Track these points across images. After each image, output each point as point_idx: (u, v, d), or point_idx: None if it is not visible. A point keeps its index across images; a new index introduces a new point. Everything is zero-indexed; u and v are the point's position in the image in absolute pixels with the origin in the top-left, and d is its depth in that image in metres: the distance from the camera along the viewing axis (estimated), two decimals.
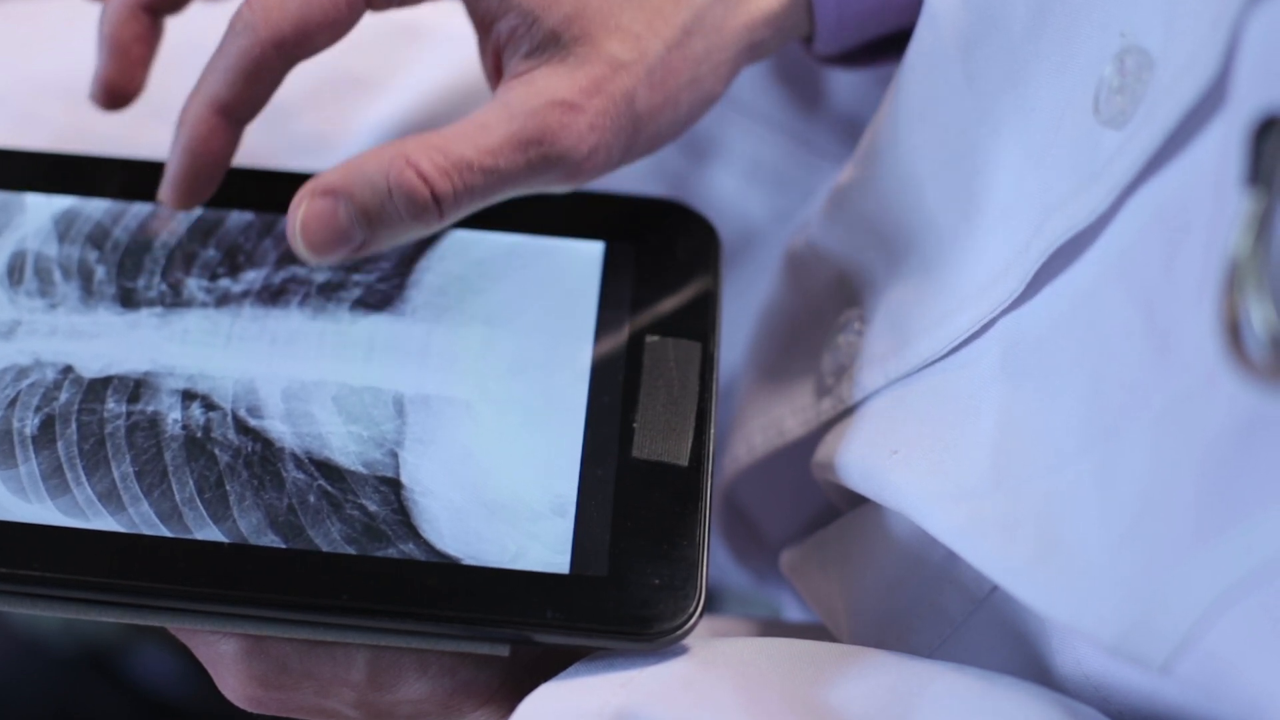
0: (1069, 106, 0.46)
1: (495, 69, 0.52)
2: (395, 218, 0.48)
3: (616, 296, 0.52)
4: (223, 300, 0.53)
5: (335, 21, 0.49)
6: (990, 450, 0.46)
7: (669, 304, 0.52)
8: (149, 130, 0.55)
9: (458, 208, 0.48)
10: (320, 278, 0.53)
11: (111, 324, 0.52)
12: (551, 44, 0.50)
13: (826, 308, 0.57)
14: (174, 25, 0.53)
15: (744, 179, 0.69)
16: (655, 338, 0.52)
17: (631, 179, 0.69)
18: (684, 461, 0.49)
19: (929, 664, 0.47)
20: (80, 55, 0.66)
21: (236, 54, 0.49)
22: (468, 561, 0.48)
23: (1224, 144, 0.39)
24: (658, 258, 0.54)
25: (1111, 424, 0.42)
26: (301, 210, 0.48)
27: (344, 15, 0.49)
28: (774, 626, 0.63)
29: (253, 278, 0.53)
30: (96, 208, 0.54)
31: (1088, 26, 0.46)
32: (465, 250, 0.54)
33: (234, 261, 0.54)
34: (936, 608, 0.51)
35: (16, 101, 0.67)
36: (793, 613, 0.69)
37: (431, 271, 0.53)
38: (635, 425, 0.50)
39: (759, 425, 0.58)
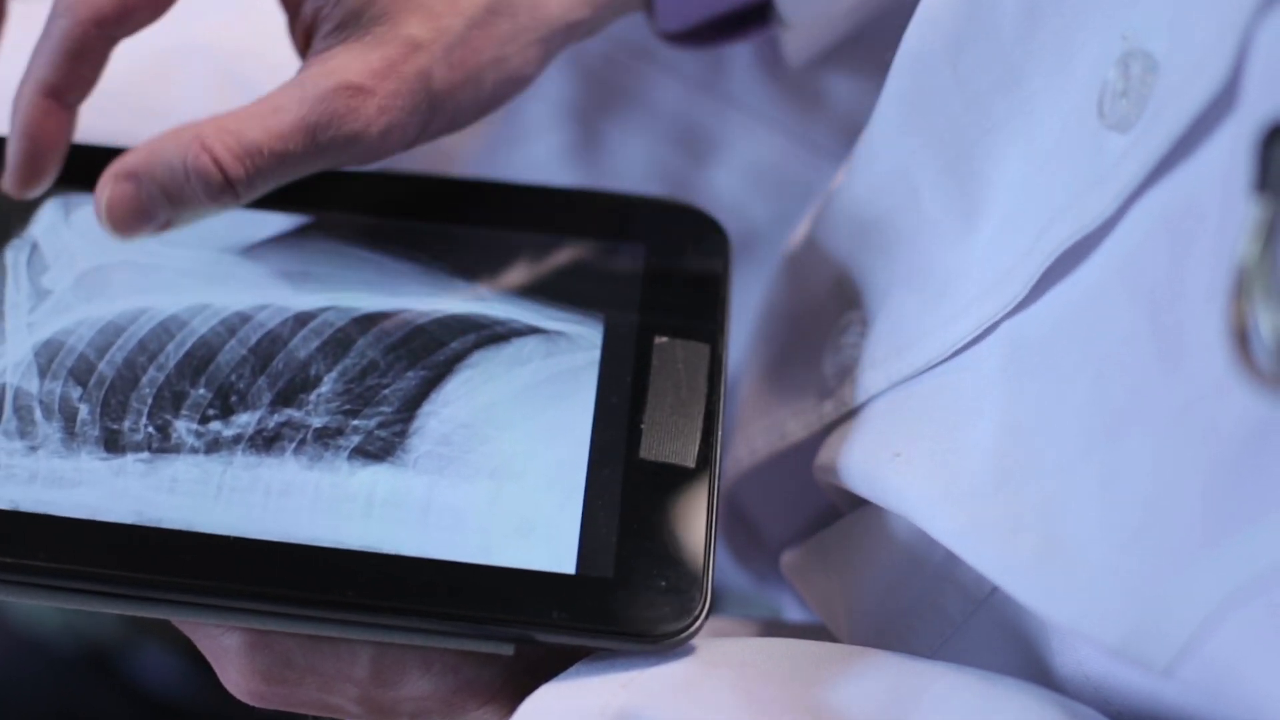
0: (1072, 109, 0.46)
1: (305, 47, 0.52)
2: (194, 199, 0.49)
3: (625, 297, 0.52)
4: (213, 446, 0.50)
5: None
6: (992, 452, 0.46)
7: (678, 305, 0.52)
8: (149, 130, 0.55)
9: (252, 190, 0.50)
10: (317, 422, 0.50)
11: (95, 470, 0.49)
12: (353, 22, 0.50)
13: (826, 309, 0.57)
14: (171, 27, 0.53)
15: (744, 179, 0.69)
16: (664, 339, 0.52)
17: (631, 179, 0.69)
18: (691, 463, 0.49)
19: (929, 664, 0.47)
20: None
21: (58, 36, 0.50)
22: (473, 560, 0.48)
23: (1233, 149, 0.39)
24: (668, 259, 0.54)
25: (1116, 427, 0.42)
26: (106, 193, 0.49)
27: None
28: (775, 627, 0.63)
29: (245, 420, 0.50)
30: (80, 338, 0.52)
31: (1086, 29, 0.46)
32: (472, 394, 0.51)
33: (225, 402, 0.51)
34: (937, 608, 0.51)
35: None
36: (793, 613, 0.69)
37: (436, 417, 0.51)
38: (643, 426, 0.50)
39: (760, 428, 0.58)
